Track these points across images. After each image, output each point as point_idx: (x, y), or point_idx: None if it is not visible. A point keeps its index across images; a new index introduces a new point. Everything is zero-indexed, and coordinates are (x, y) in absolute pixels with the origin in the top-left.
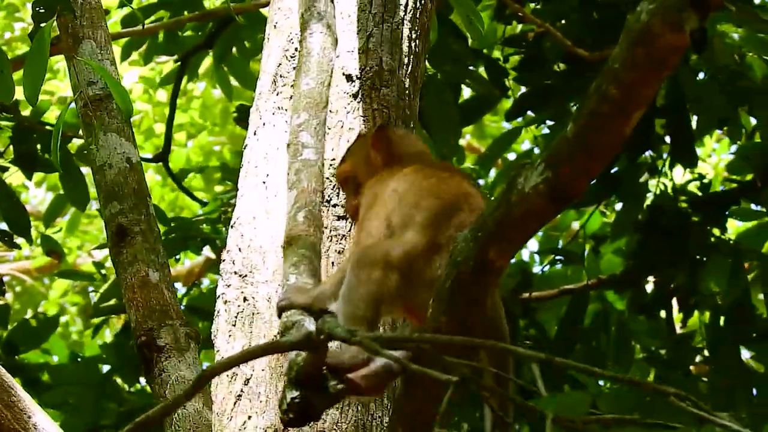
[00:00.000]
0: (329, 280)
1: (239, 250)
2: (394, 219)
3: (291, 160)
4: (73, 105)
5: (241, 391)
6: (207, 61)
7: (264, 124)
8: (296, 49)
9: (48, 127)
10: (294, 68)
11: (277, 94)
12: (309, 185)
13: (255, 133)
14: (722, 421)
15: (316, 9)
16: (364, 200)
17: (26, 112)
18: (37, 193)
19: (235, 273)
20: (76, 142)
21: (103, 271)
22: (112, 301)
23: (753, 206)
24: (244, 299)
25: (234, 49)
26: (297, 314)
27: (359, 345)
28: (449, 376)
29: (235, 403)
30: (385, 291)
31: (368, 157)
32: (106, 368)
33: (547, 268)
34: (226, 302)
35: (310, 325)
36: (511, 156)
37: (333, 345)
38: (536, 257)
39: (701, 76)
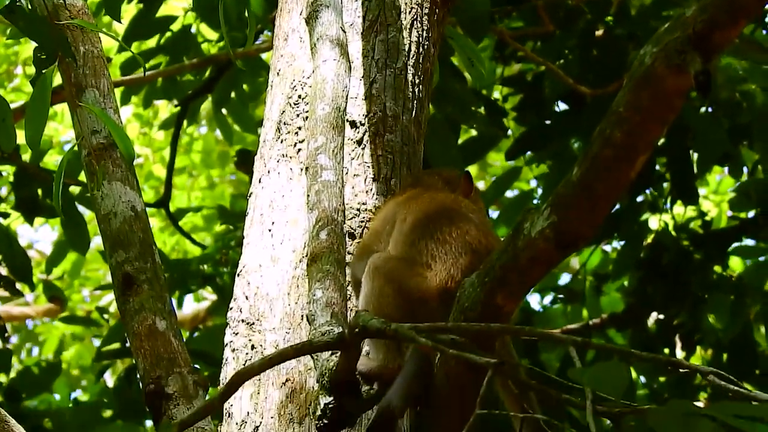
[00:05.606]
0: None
1: (246, 298)
2: None
3: (310, 182)
4: (74, 150)
5: None
6: (207, 105)
7: (269, 171)
8: (299, 96)
9: (49, 171)
10: (298, 115)
11: (281, 142)
12: (329, 205)
13: (260, 181)
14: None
15: (328, 36)
16: None
17: (26, 156)
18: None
19: (243, 321)
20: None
21: (106, 316)
22: (116, 345)
23: (755, 243)
24: (252, 347)
25: (233, 94)
26: (326, 324)
27: (394, 335)
28: (488, 359)
29: None
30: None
31: None
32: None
33: (546, 307)
34: (234, 350)
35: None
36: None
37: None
38: (536, 295)
39: (701, 109)
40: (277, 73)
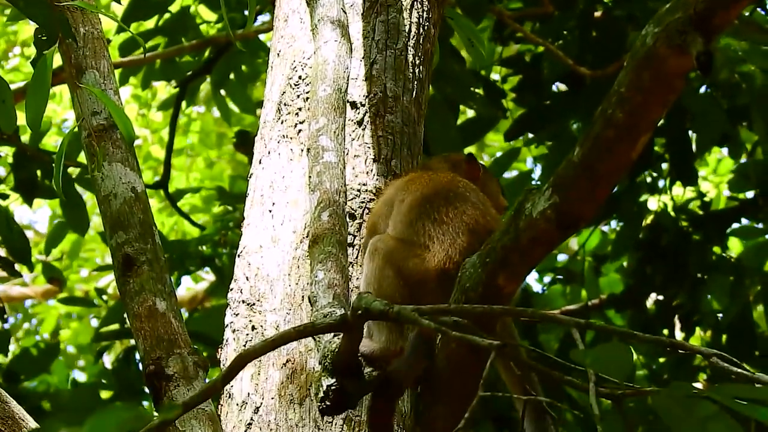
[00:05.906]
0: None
1: (246, 279)
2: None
3: (312, 164)
4: (74, 131)
5: (251, 419)
6: (205, 87)
7: (269, 152)
8: (300, 77)
9: (48, 153)
10: (298, 96)
11: (282, 123)
12: (331, 186)
13: (260, 162)
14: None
15: (329, 17)
16: None
17: (25, 137)
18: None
19: (243, 302)
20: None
21: (105, 297)
22: (114, 326)
23: (754, 224)
24: (253, 328)
25: (232, 75)
26: (328, 306)
27: (397, 317)
28: (491, 341)
29: None
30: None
31: None
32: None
33: (547, 286)
34: (234, 331)
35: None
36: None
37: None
38: (536, 275)
39: (701, 90)
40: (278, 54)
